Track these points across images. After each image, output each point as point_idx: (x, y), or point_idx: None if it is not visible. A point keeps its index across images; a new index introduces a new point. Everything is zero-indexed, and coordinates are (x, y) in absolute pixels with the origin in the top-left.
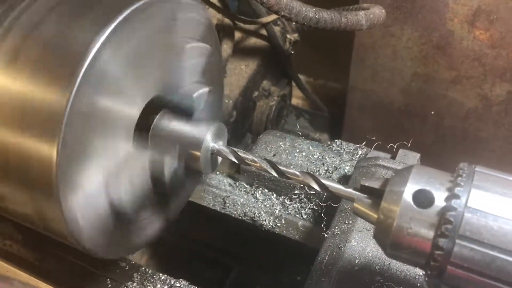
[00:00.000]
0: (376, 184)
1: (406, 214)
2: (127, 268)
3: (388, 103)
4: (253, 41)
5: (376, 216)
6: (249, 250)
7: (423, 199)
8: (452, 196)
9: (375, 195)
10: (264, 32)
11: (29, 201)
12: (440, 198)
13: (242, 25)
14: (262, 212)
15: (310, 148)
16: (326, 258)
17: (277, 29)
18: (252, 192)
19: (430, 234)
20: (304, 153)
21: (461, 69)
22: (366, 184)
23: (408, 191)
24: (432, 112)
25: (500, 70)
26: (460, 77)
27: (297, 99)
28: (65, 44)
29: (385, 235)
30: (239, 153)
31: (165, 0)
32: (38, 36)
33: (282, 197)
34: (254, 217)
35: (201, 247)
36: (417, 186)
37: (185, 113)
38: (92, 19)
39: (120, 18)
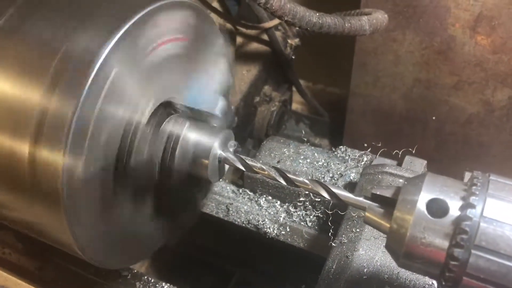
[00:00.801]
0: (388, 193)
1: (420, 223)
2: (129, 277)
3: (390, 109)
4: (255, 46)
5: (388, 225)
6: (252, 258)
7: (437, 208)
8: (467, 205)
9: (387, 204)
10: (265, 37)
11: (34, 210)
12: (454, 208)
13: (243, 30)
14: (266, 220)
15: (315, 154)
16: (334, 267)
17: (278, 34)
18: (256, 199)
19: (445, 244)
20: (308, 160)
21: (463, 75)
22: (378, 193)
23: (422, 200)
24: (434, 118)
25: (501, 75)
26: (462, 82)
27: (297, 104)
28: (73, 52)
29: (398, 245)
30: (247, 161)
31: (170, 7)
32: (44, 43)
33: (287, 204)
34: (258, 224)
35: (204, 254)
36: (431, 195)
37: (191, 120)
38: (98, 25)
39: (128, 25)
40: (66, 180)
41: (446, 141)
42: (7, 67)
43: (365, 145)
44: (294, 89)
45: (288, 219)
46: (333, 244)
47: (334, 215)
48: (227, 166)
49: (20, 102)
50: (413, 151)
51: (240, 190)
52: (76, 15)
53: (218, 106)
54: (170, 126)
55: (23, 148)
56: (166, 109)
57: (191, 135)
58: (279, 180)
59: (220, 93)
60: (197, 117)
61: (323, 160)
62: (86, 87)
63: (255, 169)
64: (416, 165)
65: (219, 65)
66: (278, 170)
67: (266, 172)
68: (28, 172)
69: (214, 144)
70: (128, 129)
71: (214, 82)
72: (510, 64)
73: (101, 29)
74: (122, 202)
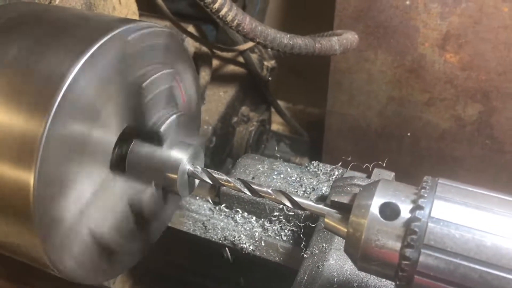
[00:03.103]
0: (345, 199)
1: (374, 226)
2: None
3: (365, 126)
4: (231, 68)
5: (345, 230)
6: (231, 273)
7: (389, 211)
8: (416, 207)
9: (345, 210)
10: (241, 59)
11: (8, 231)
12: (405, 210)
13: (219, 52)
14: (242, 236)
15: (288, 170)
16: (306, 277)
17: (254, 56)
18: (232, 215)
19: (397, 245)
20: (282, 175)
21: (434, 91)
22: (336, 199)
23: (375, 204)
24: (408, 134)
25: (471, 91)
26: (434, 99)
27: (277, 125)
28: (40, 72)
29: (355, 248)
30: (213, 174)
31: (132, 30)
32: (13, 65)
33: (262, 219)
34: (234, 240)
35: (182, 273)
36: (384, 199)
37: (159, 138)
38: (66, 48)
39: (96, 46)
40: (37, 202)
41: (421, 156)
42: None
43: (342, 158)
44: (273, 110)
45: (264, 234)
46: (305, 255)
47: (306, 228)
48: (197, 181)
49: None
50: (384, 164)
51: (217, 208)
52: (42, 39)
53: (166, 123)
54: (140, 145)
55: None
56: (133, 129)
57: (161, 152)
58: (244, 191)
59: (177, 109)
60: (160, 136)
61: (296, 175)
62: (55, 107)
63: (221, 181)
64: (384, 176)
65: (175, 79)
66: (243, 181)
67: (232, 184)
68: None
69: (182, 159)
70: (98, 149)
71: (168, 97)
72: (478, 80)
73: (68, 52)
74: (95, 218)
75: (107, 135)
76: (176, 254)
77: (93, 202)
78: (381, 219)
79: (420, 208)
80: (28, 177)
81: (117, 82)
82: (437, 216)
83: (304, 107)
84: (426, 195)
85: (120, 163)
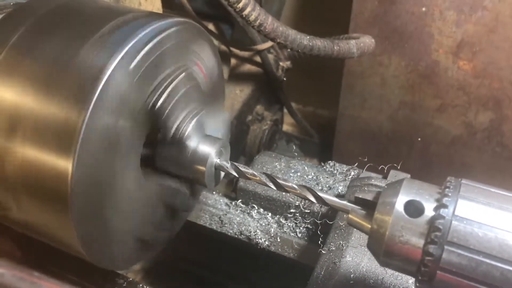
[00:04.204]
0: (369, 196)
1: (398, 223)
2: (124, 285)
3: (376, 130)
4: (248, 67)
5: (369, 226)
6: (244, 268)
7: (413, 209)
8: (440, 205)
9: (369, 207)
10: (258, 59)
11: (41, 213)
12: (429, 208)
13: (237, 51)
14: (258, 231)
15: (305, 168)
16: (322, 273)
17: (270, 56)
18: (248, 211)
19: (421, 241)
20: (299, 173)
21: (447, 98)
22: (360, 196)
23: (400, 202)
24: (419, 139)
25: (483, 99)
26: (446, 105)
27: (287, 126)
28: (80, 65)
29: (379, 244)
30: (239, 168)
31: (172, 26)
32: (56, 59)
33: (278, 216)
34: (250, 235)
35: (197, 268)
36: (408, 197)
37: (183, 144)
38: (105, 41)
39: (133, 41)
40: (74, 188)
41: (431, 162)
42: (24, 82)
43: (358, 159)
44: (285, 110)
45: (279, 230)
46: (322, 251)
47: (323, 225)
48: (222, 173)
49: (32, 113)
50: (398, 167)
51: (233, 203)
52: (84, 32)
53: (197, 117)
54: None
55: (34, 155)
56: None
57: (190, 145)
58: (270, 185)
59: (208, 105)
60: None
61: (312, 174)
62: (94, 99)
63: (247, 175)
64: (400, 178)
65: (208, 77)
66: (268, 176)
67: (257, 178)
68: (39, 178)
69: (211, 152)
70: (131, 142)
71: (201, 93)
72: (491, 88)
73: (108, 46)
74: (125, 207)
75: (139, 129)
76: (191, 249)
77: (124, 189)
78: (406, 216)
79: (445, 206)
80: (67, 164)
81: (149, 79)
82: (461, 214)
83: (314, 109)
84: (450, 194)
85: (150, 157)
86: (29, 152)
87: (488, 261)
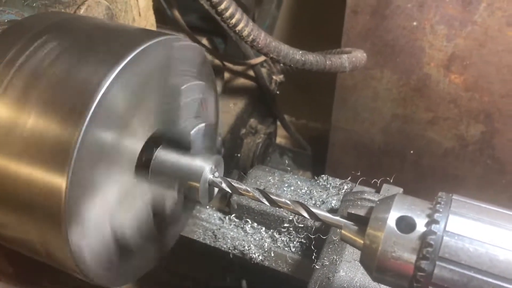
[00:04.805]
0: (361, 212)
1: (390, 239)
2: None
3: (369, 142)
4: (241, 81)
5: (362, 241)
6: (238, 283)
7: (405, 224)
8: (432, 221)
9: (361, 222)
10: (251, 73)
11: (34, 231)
12: (421, 224)
13: (230, 66)
14: (251, 245)
15: (298, 182)
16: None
17: (263, 70)
18: (242, 226)
19: (413, 257)
20: (292, 187)
21: (438, 111)
22: (353, 212)
23: (392, 218)
24: (412, 151)
25: (474, 112)
26: (437, 118)
27: (281, 138)
28: (75, 83)
29: (371, 259)
30: (233, 184)
31: (163, 43)
32: (49, 76)
33: (271, 230)
34: (243, 250)
35: (190, 284)
36: (400, 213)
37: (183, 146)
38: (99, 60)
39: (127, 59)
40: (68, 204)
41: (423, 174)
42: (19, 99)
43: (351, 173)
44: (278, 123)
45: (273, 245)
46: (316, 266)
47: (316, 240)
48: (216, 189)
49: (25, 130)
50: (391, 180)
51: (227, 217)
52: (79, 49)
53: (194, 129)
54: (163, 153)
55: (27, 172)
56: (157, 137)
57: (184, 161)
58: (263, 201)
59: (203, 119)
60: (185, 143)
61: (306, 188)
62: (89, 115)
63: (240, 191)
64: (392, 192)
65: (201, 91)
66: (261, 191)
67: (250, 194)
68: (31, 195)
69: (205, 168)
70: (125, 156)
71: (195, 108)
72: (482, 101)
73: (102, 64)
74: (119, 222)
75: (134, 141)
76: (182, 263)
77: (118, 204)
78: (398, 232)
79: (436, 222)
80: (61, 181)
81: (153, 88)
82: (452, 230)
83: (307, 122)
84: (441, 210)
85: (144, 168)
86: (23, 167)
87: (479, 276)
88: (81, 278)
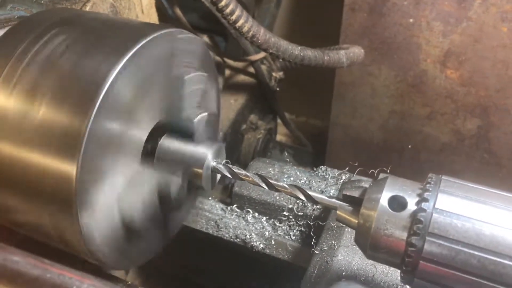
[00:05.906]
0: (356, 193)
1: (383, 217)
2: None
3: (367, 138)
4: (242, 77)
5: (356, 221)
6: (239, 271)
7: (397, 204)
8: (422, 199)
9: (356, 203)
10: (251, 69)
11: (46, 215)
12: (412, 203)
13: (231, 62)
14: (253, 234)
15: (298, 173)
16: (315, 271)
17: (263, 67)
18: (243, 215)
19: (404, 234)
20: (292, 178)
21: (435, 106)
22: (347, 194)
23: (384, 197)
24: (409, 146)
25: (470, 106)
26: (434, 113)
27: (281, 136)
28: (84, 74)
29: (365, 238)
30: (233, 169)
31: (168, 35)
32: (58, 68)
33: (272, 219)
34: (245, 239)
35: (193, 274)
36: (392, 193)
37: (186, 135)
38: (106, 52)
39: (133, 51)
40: (78, 188)
41: (421, 169)
42: (29, 93)
43: (349, 164)
44: (279, 121)
45: (273, 233)
46: (315, 251)
47: (316, 226)
48: (218, 176)
49: (36, 119)
50: (388, 171)
51: (229, 208)
52: (87, 42)
53: (197, 118)
54: (167, 141)
55: (39, 159)
56: (162, 126)
57: (187, 148)
58: (262, 185)
59: (205, 109)
60: (189, 131)
61: (305, 178)
62: (97, 105)
63: (240, 176)
64: None
65: (203, 82)
66: (260, 176)
67: (250, 179)
68: (43, 180)
69: (207, 155)
70: (131, 144)
71: (198, 98)
72: (477, 96)
73: (109, 56)
74: (127, 206)
75: (140, 130)
76: (187, 255)
77: (125, 189)
78: (390, 210)
79: (426, 200)
80: (72, 167)
81: (158, 79)
82: (441, 207)
83: (307, 119)
84: (431, 189)
85: (150, 156)
86: (33, 154)
87: (466, 249)
88: (91, 261)
